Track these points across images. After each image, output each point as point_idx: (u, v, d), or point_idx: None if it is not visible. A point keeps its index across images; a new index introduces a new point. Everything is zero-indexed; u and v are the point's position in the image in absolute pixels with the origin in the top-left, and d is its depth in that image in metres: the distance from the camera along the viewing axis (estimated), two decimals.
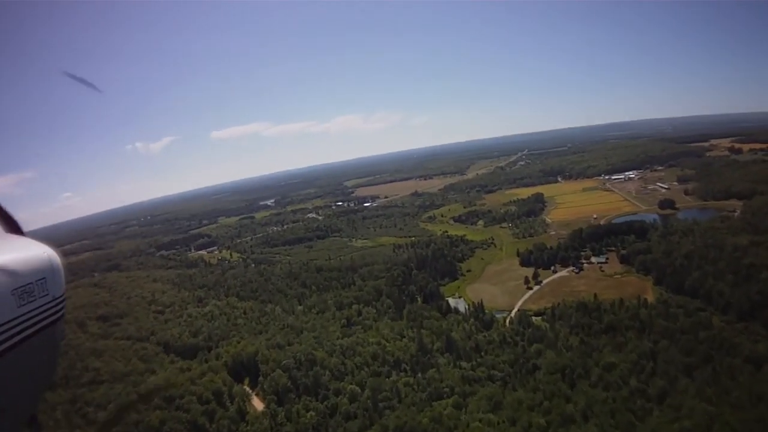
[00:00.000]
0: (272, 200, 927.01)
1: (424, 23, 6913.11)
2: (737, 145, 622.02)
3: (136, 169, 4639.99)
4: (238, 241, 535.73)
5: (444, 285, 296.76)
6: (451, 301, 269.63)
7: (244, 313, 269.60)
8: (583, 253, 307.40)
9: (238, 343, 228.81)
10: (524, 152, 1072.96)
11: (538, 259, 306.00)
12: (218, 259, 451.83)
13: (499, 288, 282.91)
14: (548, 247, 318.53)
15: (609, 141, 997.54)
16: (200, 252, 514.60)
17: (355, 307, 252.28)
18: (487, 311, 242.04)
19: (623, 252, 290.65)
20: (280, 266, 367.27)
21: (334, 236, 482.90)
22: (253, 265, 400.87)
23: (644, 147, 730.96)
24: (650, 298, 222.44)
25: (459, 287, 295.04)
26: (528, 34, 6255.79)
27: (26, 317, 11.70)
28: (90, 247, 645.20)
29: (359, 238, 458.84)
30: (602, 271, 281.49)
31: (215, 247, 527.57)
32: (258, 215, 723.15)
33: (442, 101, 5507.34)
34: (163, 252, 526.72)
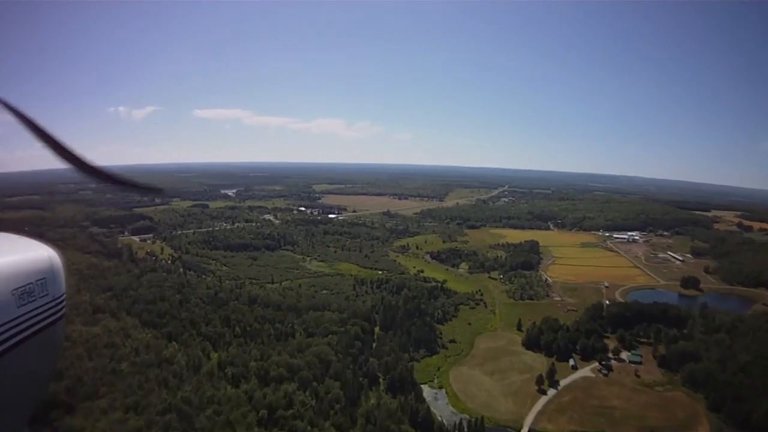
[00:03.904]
0: (234, 190, 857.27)
1: (419, 42, 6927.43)
2: (746, 222, 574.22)
3: (116, 132, 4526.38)
4: (179, 232, 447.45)
5: (419, 360, 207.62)
6: (428, 393, 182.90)
7: (136, 352, 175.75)
8: (606, 341, 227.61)
9: (103, 415, 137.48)
10: (505, 188, 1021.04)
11: (550, 344, 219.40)
12: (146, 252, 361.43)
13: (497, 382, 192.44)
14: (563, 326, 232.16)
15: (594, 192, 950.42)
16: (133, 237, 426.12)
17: (285, 386, 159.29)
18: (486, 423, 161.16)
19: (662, 352, 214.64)
20: (208, 283, 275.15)
21: (287, 249, 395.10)
22: (181, 269, 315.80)
23: (642, 206, 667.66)
24: (705, 430, 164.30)
25: (440, 368, 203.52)
26: (521, 71, 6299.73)
27: (26, 317, 11.71)
28: (35, 204, 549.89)
29: (315, 259, 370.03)
30: (638, 376, 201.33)
31: (151, 235, 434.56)
32: (213, 204, 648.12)
33: (426, 122, 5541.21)
34: (96, 228, 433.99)
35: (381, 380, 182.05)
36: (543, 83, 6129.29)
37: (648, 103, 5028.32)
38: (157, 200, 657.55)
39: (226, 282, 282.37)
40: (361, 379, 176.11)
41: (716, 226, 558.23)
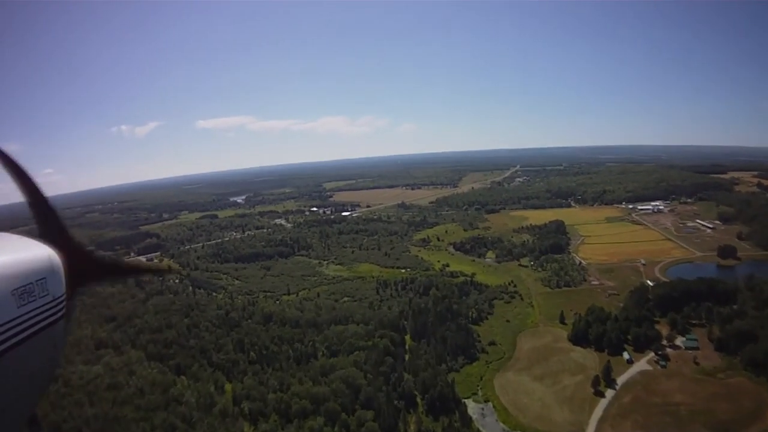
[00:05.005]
0: (243, 197, 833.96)
1: (416, 32, 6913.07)
2: (765, 182, 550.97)
3: (120, 151, 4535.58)
4: (187, 247, 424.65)
5: (458, 370, 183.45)
6: (473, 409, 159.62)
7: (141, 392, 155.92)
8: (657, 327, 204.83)
9: None
10: (517, 168, 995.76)
11: (600, 337, 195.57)
12: None
13: (549, 388, 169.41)
14: (610, 315, 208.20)
15: (607, 164, 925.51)
16: (140, 258, 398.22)
17: (311, 423, 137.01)
18: None
19: (718, 334, 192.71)
20: (219, 301, 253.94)
21: (301, 255, 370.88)
22: (190, 287, 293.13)
23: (660, 174, 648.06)
24: None
25: (483, 378, 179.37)
26: (518, 52, 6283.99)
27: (26, 317, 11.52)
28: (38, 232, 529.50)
29: (332, 262, 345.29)
30: (697, 363, 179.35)
31: (158, 253, 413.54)
32: (222, 214, 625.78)
33: (429, 110, 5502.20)
34: (101, 252, 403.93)
35: (419, 400, 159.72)
36: (540, 62, 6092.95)
37: (648, 70, 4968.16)
38: (165, 215, 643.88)
39: (238, 299, 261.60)
40: (396, 402, 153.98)
41: (737, 188, 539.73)
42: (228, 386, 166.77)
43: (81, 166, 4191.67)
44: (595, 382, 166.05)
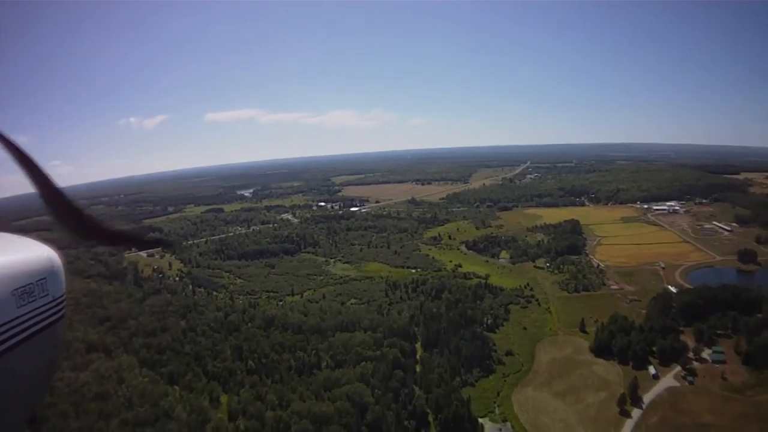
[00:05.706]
0: (251, 190, 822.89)
1: (426, 26, 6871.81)
2: None
3: (128, 143, 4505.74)
4: (190, 242, 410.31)
5: (473, 384, 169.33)
6: (490, 430, 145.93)
7: (129, 403, 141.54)
8: (682, 337, 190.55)
9: None
10: (528, 164, 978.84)
11: (624, 348, 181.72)
12: (153, 270, 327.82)
13: (571, 407, 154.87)
14: (634, 325, 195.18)
15: (618, 162, 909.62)
16: (141, 253, 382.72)
17: None
18: None
19: (746, 347, 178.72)
20: (218, 303, 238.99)
21: (308, 252, 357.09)
22: (190, 286, 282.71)
23: (673, 173, 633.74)
24: None
25: (500, 393, 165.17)
26: (527, 48, 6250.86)
27: (26, 317, 11.58)
28: (42, 225, 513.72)
29: (339, 261, 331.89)
30: (724, 379, 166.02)
31: (159, 248, 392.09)
32: (228, 207, 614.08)
33: (438, 105, 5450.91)
34: (102, 247, 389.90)
35: (431, 420, 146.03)
36: (547, 59, 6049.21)
37: (654, 69, 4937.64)
38: (170, 208, 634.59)
39: (239, 300, 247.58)
40: (406, 422, 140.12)
41: (751, 189, 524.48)
42: (224, 398, 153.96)
43: (89, 158, 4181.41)
44: (621, 401, 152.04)
